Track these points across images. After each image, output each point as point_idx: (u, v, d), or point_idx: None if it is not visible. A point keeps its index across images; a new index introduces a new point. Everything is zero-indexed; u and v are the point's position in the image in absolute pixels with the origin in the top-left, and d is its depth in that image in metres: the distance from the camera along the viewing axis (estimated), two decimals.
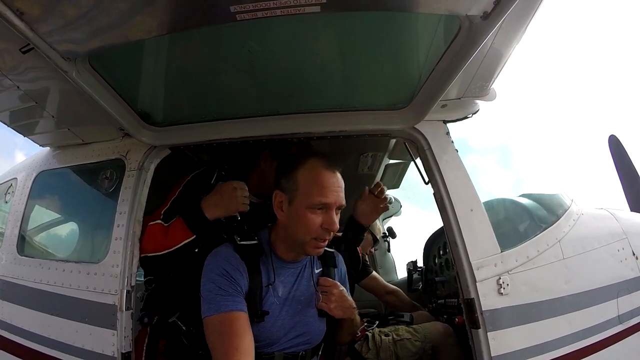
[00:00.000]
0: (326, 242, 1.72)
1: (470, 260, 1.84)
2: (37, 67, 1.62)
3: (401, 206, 4.62)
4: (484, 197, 2.06)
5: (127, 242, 2.00)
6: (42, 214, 2.67)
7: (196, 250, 2.03)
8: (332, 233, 1.69)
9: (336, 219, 1.67)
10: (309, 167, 1.69)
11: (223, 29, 1.44)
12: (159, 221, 2.03)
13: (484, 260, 1.85)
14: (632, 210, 3.07)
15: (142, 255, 2.02)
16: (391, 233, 4.25)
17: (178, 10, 1.26)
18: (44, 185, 2.57)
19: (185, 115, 2.04)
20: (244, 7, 1.20)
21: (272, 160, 2.28)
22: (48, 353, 2.11)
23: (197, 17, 1.29)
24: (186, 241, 1.97)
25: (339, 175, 1.71)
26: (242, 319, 1.61)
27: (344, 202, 1.69)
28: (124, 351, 1.89)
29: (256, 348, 1.62)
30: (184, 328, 2.07)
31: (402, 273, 4.50)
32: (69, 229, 2.69)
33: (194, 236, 1.98)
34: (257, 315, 1.69)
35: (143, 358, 2.05)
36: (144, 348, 2.07)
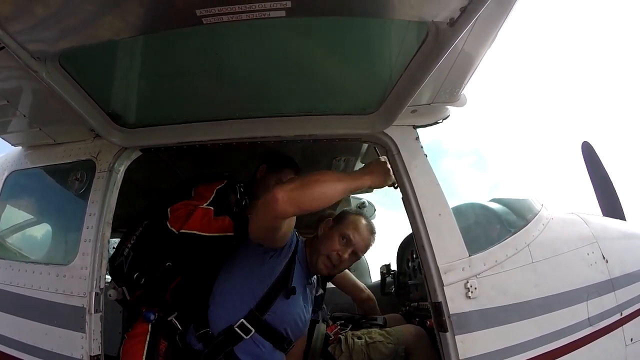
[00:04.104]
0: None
1: (438, 264, 1.86)
2: (8, 66, 1.59)
3: (375, 210, 4.63)
4: (456, 200, 2.10)
5: (97, 244, 1.98)
6: (13, 215, 2.62)
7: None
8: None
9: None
10: None
11: (192, 32, 1.44)
12: (211, 207, 2.14)
13: (452, 264, 1.88)
14: (604, 215, 3.11)
15: (186, 230, 2.05)
16: None
17: (145, 13, 1.26)
18: (15, 185, 2.52)
19: (156, 117, 2.02)
20: (209, 10, 1.21)
21: (267, 172, 2.54)
22: (17, 356, 2.08)
23: (163, 20, 1.30)
24: (226, 234, 2.10)
25: None
26: None
27: None
28: (92, 354, 1.87)
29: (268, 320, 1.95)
30: (179, 329, 2.09)
31: (375, 276, 4.52)
32: (40, 230, 2.64)
33: (232, 234, 2.11)
34: (287, 290, 1.98)
35: (144, 357, 2.02)
36: (145, 346, 2.04)
